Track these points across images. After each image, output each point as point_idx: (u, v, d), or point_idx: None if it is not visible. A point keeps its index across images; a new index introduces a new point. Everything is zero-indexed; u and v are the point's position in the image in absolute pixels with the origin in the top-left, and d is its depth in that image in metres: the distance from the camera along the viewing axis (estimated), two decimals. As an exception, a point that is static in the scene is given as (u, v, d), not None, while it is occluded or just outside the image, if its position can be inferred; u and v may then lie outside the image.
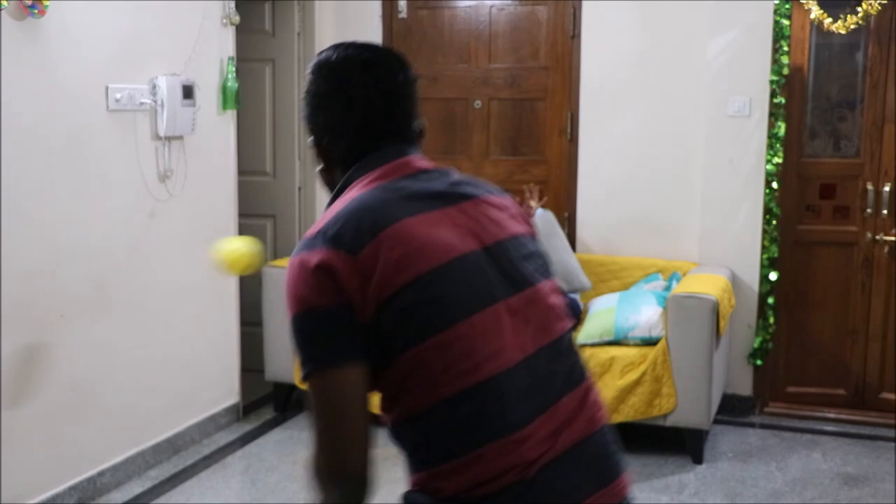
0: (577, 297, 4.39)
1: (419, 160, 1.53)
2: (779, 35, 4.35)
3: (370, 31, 5.12)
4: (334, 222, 1.37)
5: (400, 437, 1.40)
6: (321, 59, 1.53)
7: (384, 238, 1.34)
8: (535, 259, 1.49)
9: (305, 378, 1.34)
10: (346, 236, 1.34)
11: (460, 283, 1.36)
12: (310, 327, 1.33)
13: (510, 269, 1.42)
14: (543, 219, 4.43)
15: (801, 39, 4.45)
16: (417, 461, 1.38)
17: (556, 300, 1.49)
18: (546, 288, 1.47)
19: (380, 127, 1.51)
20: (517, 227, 1.50)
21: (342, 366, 1.31)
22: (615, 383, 3.99)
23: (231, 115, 4.34)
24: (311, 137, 1.54)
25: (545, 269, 1.50)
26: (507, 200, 1.55)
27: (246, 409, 4.57)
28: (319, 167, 1.57)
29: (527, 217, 1.58)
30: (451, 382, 1.31)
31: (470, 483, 1.31)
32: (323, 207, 5.81)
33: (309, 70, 1.54)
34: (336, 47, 1.54)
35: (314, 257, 1.34)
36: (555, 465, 1.34)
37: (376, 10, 5.11)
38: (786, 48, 4.35)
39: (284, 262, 4.65)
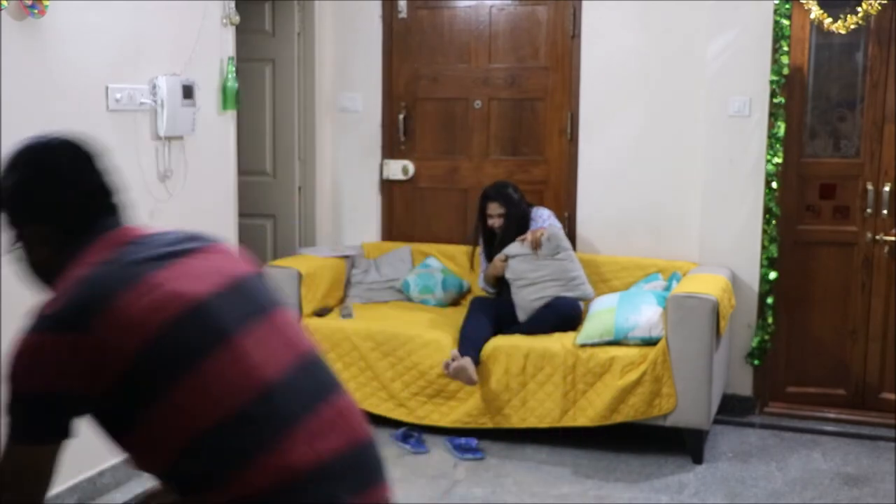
0: (580, 303, 4.39)
1: (135, 229, 1.62)
2: (779, 35, 4.35)
3: (370, 31, 5.12)
4: (62, 305, 1.43)
5: (167, 478, 1.50)
6: (27, 148, 1.60)
7: (114, 309, 1.42)
8: (267, 292, 1.62)
9: (8, 440, 1.44)
10: (74, 317, 1.41)
11: (199, 329, 1.46)
12: (23, 406, 1.42)
13: (247, 303, 1.54)
14: (551, 232, 4.39)
15: (801, 39, 4.45)
16: (185, 490, 1.47)
17: (295, 323, 1.61)
18: (284, 314, 1.60)
19: (95, 203, 1.60)
20: (246, 267, 1.63)
21: (42, 444, 1.43)
22: (615, 383, 3.99)
23: (231, 115, 4.34)
24: (21, 224, 1.58)
25: (278, 299, 1.63)
26: (228, 247, 1.67)
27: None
28: (27, 257, 1.60)
29: (249, 257, 1.71)
30: (204, 419, 1.42)
31: (233, 497, 1.42)
32: (323, 207, 5.82)
33: (11, 161, 1.59)
34: (33, 139, 1.63)
35: (40, 341, 1.41)
36: (314, 473, 1.44)
37: (376, 10, 5.11)
38: (786, 48, 4.35)
39: (284, 263, 4.66)
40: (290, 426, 1.45)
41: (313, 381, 1.54)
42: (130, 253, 1.53)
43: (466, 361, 4.07)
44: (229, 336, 1.47)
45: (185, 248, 1.57)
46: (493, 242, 4.53)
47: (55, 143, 1.63)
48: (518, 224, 4.47)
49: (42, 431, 1.43)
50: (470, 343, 4.17)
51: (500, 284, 4.49)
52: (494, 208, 4.49)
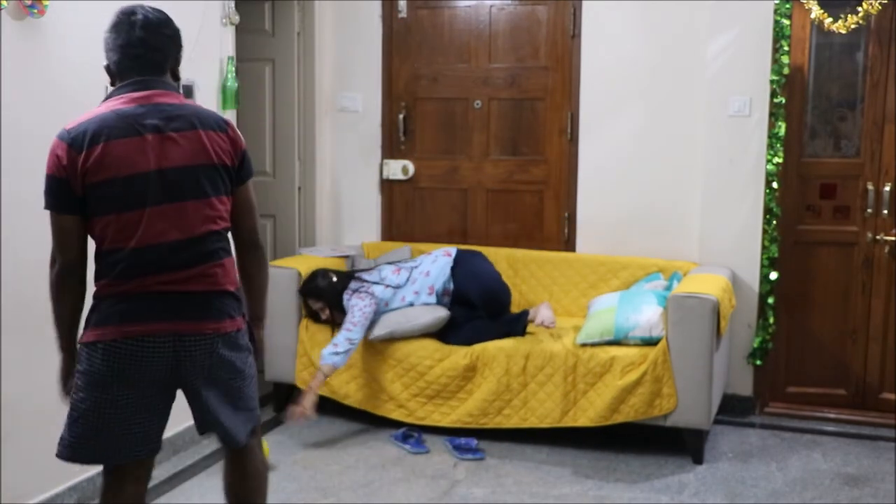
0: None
1: (159, 95, 2.38)
2: (779, 35, 4.35)
3: (370, 31, 5.12)
4: (80, 127, 2.31)
5: (95, 259, 2.41)
6: (117, 11, 2.40)
7: (99, 148, 2.28)
8: (198, 184, 2.37)
9: (46, 208, 2.36)
10: (79, 139, 2.30)
11: (130, 189, 2.31)
12: (48, 185, 2.34)
13: (169, 187, 2.34)
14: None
15: (802, 39, 4.45)
16: (96, 272, 2.42)
17: (205, 213, 2.39)
18: (196, 205, 2.37)
19: (133, 64, 2.38)
20: (199, 160, 2.38)
21: (60, 212, 2.35)
22: (615, 383, 3.98)
23: (231, 114, 4.33)
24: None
25: (204, 191, 2.38)
26: (201, 136, 2.39)
27: (246, 409, 4.56)
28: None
29: (228, 152, 2.46)
30: (108, 243, 2.34)
31: (101, 292, 2.39)
32: (323, 207, 5.81)
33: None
34: (129, 6, 2.41)
35: (58, 145, 2.32)
36: (147, 296, 2.34)
37: (376, 10, 5.11)
38: (786, 48, 4.35)
39: (285, 263, 4.66)
40: (148, 271, 2.33)
41: (185, 254, 2.36)
42: (136, 112, 2.33)
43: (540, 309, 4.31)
44: (143, 207, 2.32)
45: (170, 126, 2.34)
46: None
47: (128, 9, 2.40)
48: (338, 309, 4.39)
49: (55, 203, 2.34)
50: (501, 321, 4.33)
51: (453, 304, 4.43)
52: (312, 303, 4.43)
